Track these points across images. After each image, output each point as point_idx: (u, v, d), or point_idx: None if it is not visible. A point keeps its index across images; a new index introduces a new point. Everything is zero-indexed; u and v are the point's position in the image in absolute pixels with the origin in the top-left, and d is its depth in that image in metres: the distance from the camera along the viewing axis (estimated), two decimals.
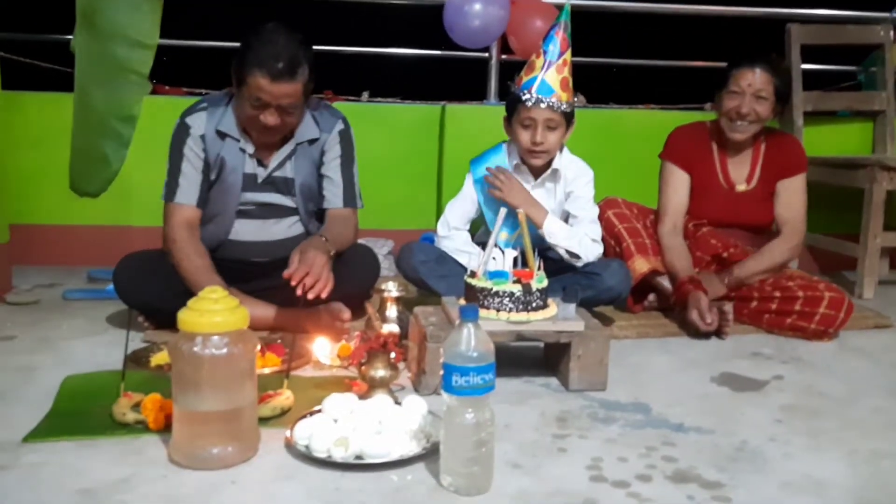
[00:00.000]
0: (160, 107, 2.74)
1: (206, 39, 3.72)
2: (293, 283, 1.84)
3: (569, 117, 2.20)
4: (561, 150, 2.29)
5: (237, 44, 2.02)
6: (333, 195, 2.20)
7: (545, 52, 2.14)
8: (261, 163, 2.13)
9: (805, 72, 3.29)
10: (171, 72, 3.35)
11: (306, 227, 2.22)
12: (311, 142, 2.16)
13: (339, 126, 2.20)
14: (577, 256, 2.20)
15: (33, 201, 3.02)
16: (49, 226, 3.05)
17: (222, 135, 2.10)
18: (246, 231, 2.17)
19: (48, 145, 2.93)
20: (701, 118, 2.65)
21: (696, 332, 2.23)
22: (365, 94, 3.51)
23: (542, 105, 2.12)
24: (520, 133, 2.20)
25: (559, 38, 2.13)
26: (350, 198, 2.21)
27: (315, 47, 2.11)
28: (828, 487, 1.32)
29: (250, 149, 2.11)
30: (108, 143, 2.20)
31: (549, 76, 2.13)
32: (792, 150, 2.51)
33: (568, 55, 2.15)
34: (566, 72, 2.15)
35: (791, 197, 2.47)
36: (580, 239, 2.21)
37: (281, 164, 2.14)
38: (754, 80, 2.38)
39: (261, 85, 1.93)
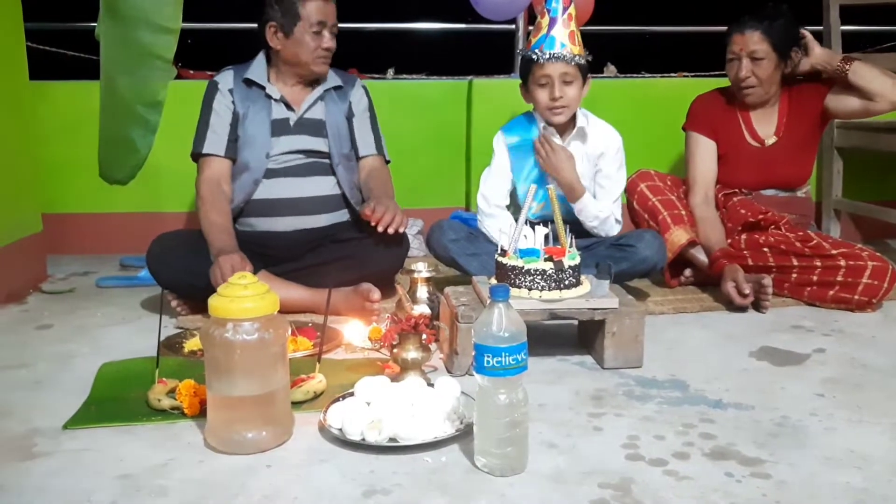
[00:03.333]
0: (186, 92, 2.73)
1: (230, 21, 3.71)
2: (373, 220, 2.05)
3: (583, 71, 2.20)
4: (587, 117, 2.27)
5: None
6: (366, 142, 2.34)
7: (549, 11, 2.17)
8: (290, 108, 2.23)
9: (845, 33, 3.17)
10: (195, 56, 3.34)
11: (339, 177, 2.26)
12: (337, 89, 2.31)
13: (360, 82, 2.38)
14: (599, 235, 2.26)
15: (65, 190, 3.05)
16: (81, 214, 3.09)
17: (249, 83, 2.22)
18: (279, 188, 2.20)
19: (78, 134, 2.95)
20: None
21: (733, 306, 2.18)
22: (390, 71, 3.47)
23: (556, 60, 2.14)
24: (538, 93, 2.20)
25: None
26: (381, 148, 2.37)
27: (338, 25, 2.16)
28: (871, 462, 1.28)
29: (276, 94, 2.22)
30: (135, 130, 2.20)
31: (557, 31, 2.15)
32: (810, 91, 2.42)
33: (572, 9, 2.17)
34: (572, 26, 2.17)
35: (844, 95, 2.36)
36: (609, 220, 2.25)
37: (311, 107, 2.25)
38: (745, 42, 2.32)
39: (319, 7, 2.15)
